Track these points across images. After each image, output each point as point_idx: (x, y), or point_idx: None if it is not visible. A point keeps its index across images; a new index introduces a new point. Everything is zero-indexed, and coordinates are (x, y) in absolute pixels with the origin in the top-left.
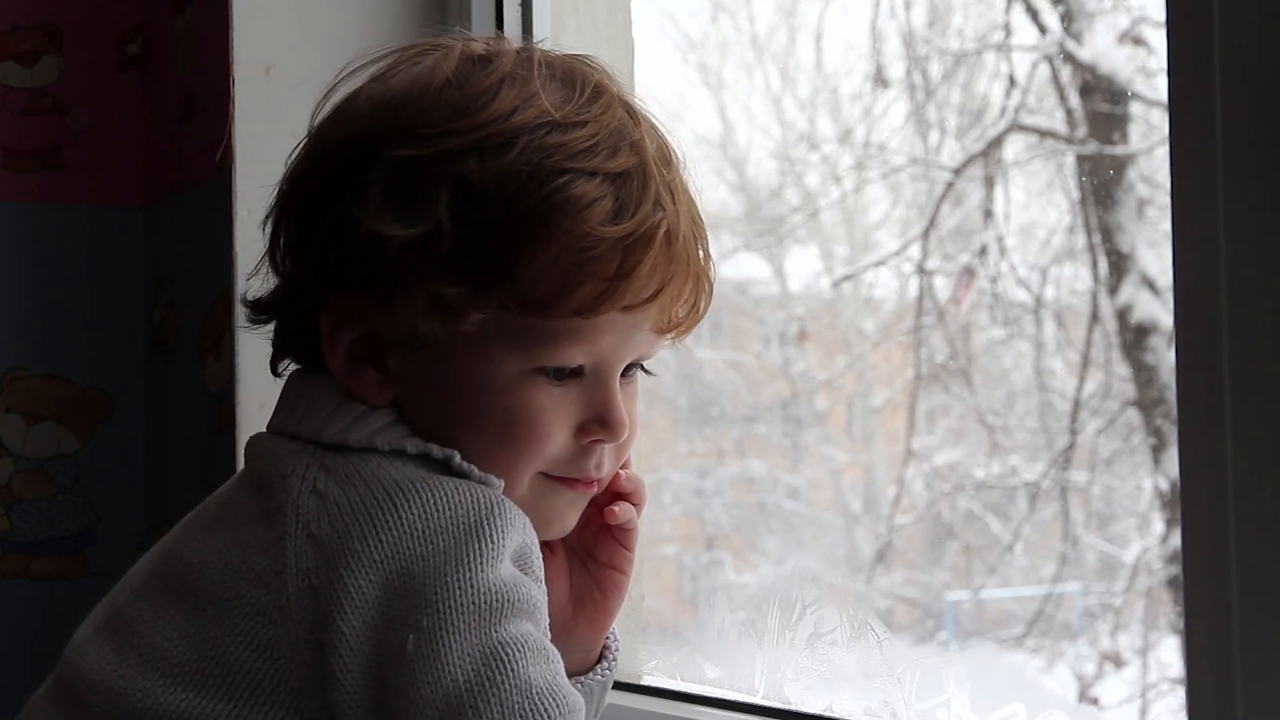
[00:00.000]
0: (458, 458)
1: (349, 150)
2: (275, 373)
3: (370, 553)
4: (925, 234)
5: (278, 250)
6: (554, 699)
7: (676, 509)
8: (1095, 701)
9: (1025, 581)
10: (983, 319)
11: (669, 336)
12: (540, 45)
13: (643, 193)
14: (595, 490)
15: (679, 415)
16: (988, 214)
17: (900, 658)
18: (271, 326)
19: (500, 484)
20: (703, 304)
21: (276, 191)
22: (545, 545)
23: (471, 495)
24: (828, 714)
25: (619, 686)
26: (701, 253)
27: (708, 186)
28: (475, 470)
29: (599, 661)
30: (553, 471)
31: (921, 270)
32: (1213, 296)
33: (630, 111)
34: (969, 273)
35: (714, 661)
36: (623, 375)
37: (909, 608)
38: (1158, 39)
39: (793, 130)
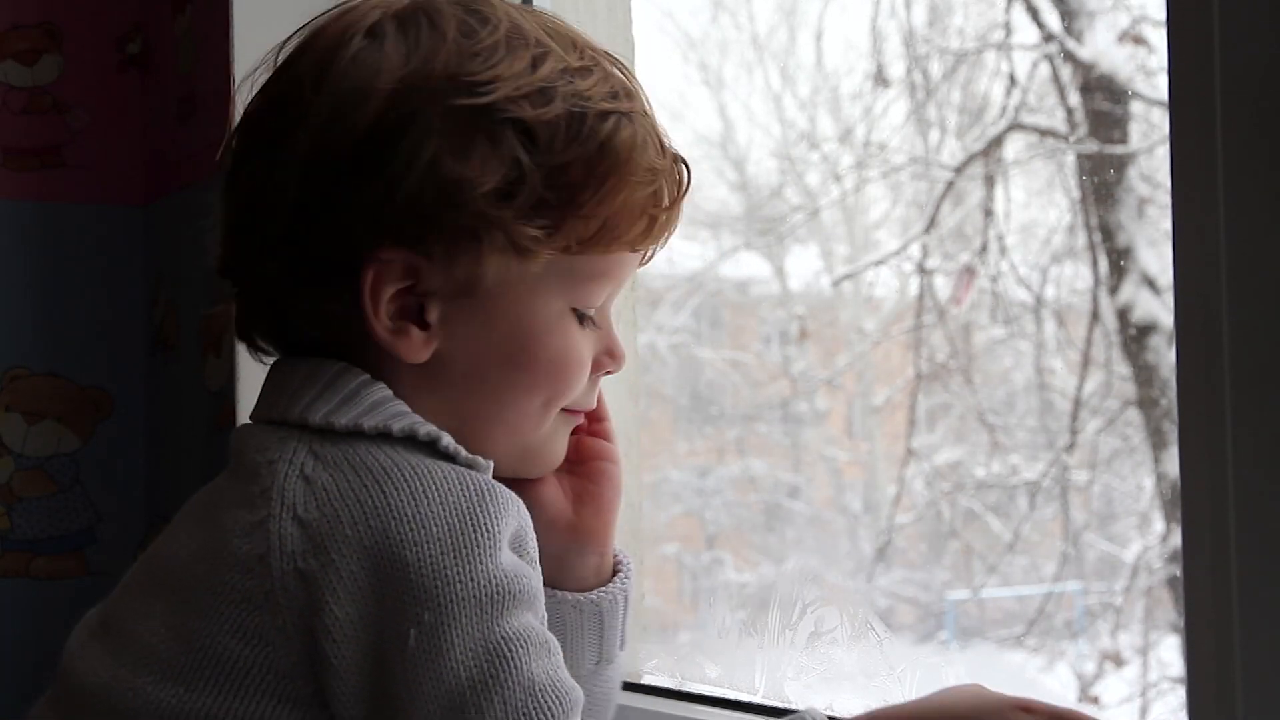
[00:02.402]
0: (444, 439)
1: (392, 105)
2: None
3: (360, 537)
4: (925, 233)
5: (283, 220)
6: (556, 694)
7: (677, 508)
8: (1096, 700)
9: (1026, 581)
10: (983, 318)
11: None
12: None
13: (657, 129)
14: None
15: (679, 414)
16: (988, 213)
17: (900, 657)
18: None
19: (489, 465)
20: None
21: (279, 160)
22: None
23: (460, 481)
24: (828, 713)
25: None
26: None
27: (708, 185)
28: (463, 452)
29: (615, 574)
30: (569, 406)
31: (922, 269)
32: (1213, 295)
33: (608, 55)
34: (969, 272)
35: (714, 660)
36: None
37: (909, 607)
38: (1158, 38)
39: (793, 129)
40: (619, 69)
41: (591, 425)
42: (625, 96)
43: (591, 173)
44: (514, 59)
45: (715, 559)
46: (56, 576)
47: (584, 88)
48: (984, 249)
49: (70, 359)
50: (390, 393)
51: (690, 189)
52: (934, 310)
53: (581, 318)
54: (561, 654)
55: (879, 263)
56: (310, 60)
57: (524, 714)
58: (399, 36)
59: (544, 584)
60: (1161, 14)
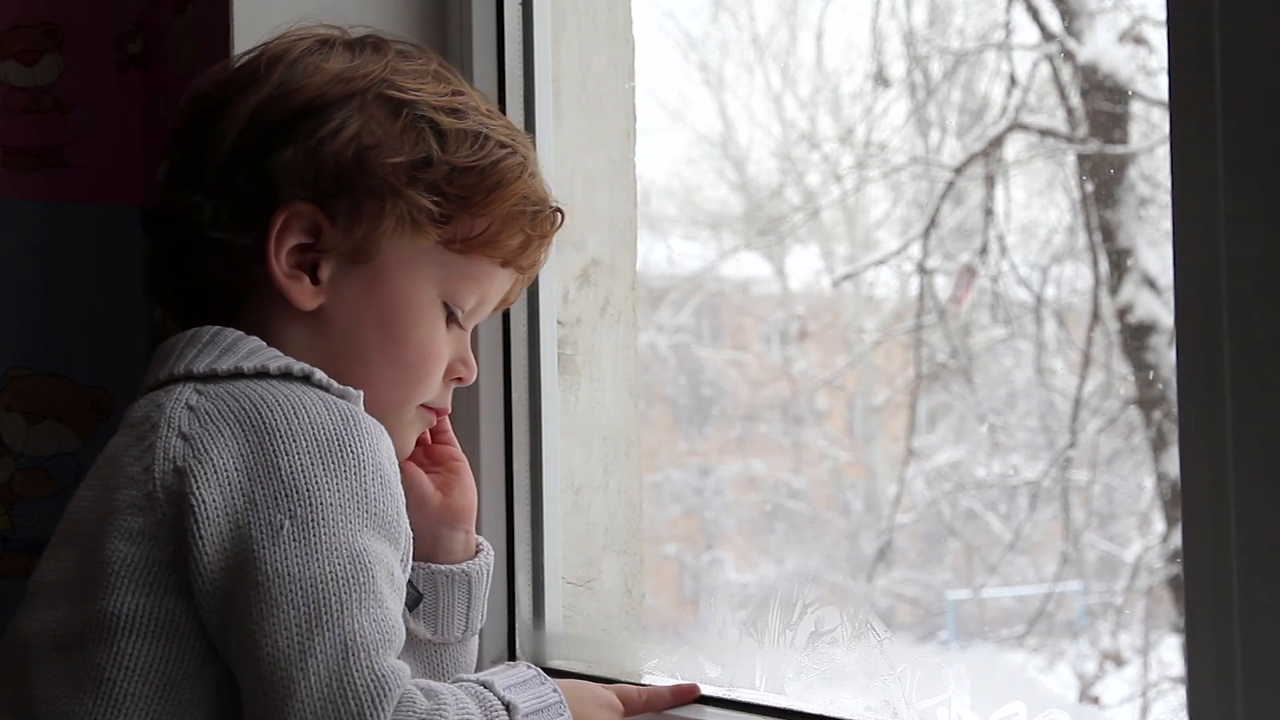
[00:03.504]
0: (318, 374)
1: (331, 87)
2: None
3: (238, 445)
4: (926, 233)
5: (219, 160)
6: (396, 622)
7: (677, 508)
8: (1096, 700)
9: (1026, 580)
10: (983, 318)
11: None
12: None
13: (544, 180)
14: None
15: (680, 414)
16: (988, 213)
17: (901, 657)
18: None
19: (359, 395)
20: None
21: (225, 116)
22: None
23: (329, 408)
24: (828, 713)
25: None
26: None
27: (708, 185)
28: (335, 384)
29: (478, 553)
30: (428, 403)
31: (922, 269)
32: (1213, 295)
33: (518, 129)
34: (969, 272)
35: (714, 660)
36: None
37: (909, 607)
38: (1158, 38)
39: (793, 129)
40: (523, 138)
41: (437, 438)
42: (523, 145)
43: (484, 179)
44: (438, 84)
45: (715, 559)
46: None
47: (489, 122)
48: (984, 249)
49: (70, 359)
50: (264, 343)
51: (561, 230)
52: (934, 310)
53: (450, 317)
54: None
55: (879, 263)
56: (264, 55)
57: (375, 623)
58: (346, 49)
59: (419, 559)
60: (1161, 14)
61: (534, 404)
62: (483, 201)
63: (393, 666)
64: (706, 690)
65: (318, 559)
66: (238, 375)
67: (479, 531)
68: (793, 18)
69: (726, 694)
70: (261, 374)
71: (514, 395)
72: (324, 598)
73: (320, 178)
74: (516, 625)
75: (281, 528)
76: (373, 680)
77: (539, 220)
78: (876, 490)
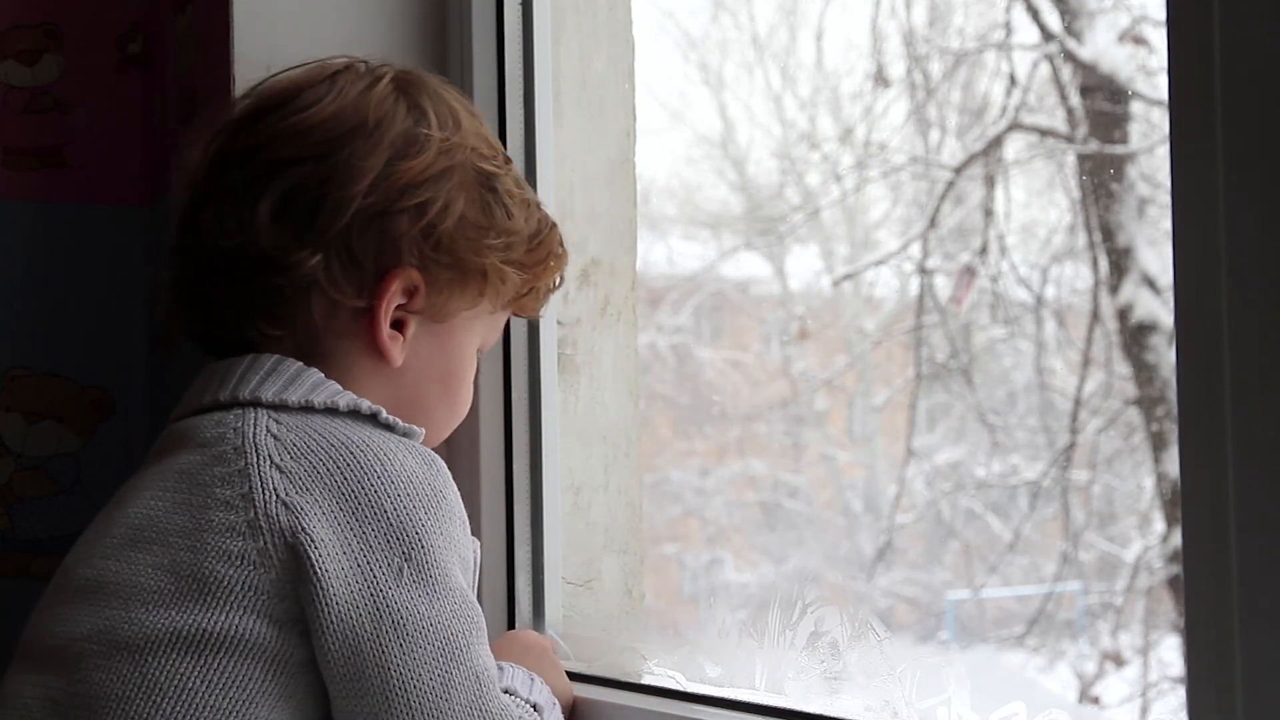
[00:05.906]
0: (383, 413)
1: (438, 161)
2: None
3: (336, 485)
4: (926, 233)
5: (342, 219)
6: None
7: (676, 508)
8: (1096, 700)
9: (1026, 580)
10: (983, 318)
11: None
12: None
13: None
14: None
15: (679, 414)
16: (988, 213)
17: (901, 657)
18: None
19: (421, 433)
20: None
21: (342, 171)
22: None
23: (410, 453)
24: (828, 713)
25: (619, 686)
26: None
27: (708, 185)
28: (400, 423)
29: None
30: None
31: (922, 269)
32: (1213, 295)
33: None
34: (969, 272)
35: (714, 660)
36: None
37: (909, 607)
38: (1158, 38)
39: (793, 129)
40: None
41: None
42: (538, 200)
43: (538, 249)
44: (494, 149)
45: (715, 559)
46: None
47: (521, 182)
48: (984, 249)
49: (71, 359)
50: (323, 375)
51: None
52: (934, 310)
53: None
54: None
55: (879, 263)
56: (354, 101)
57: (489, 655)
58: (431, 104)
59: None
60: (1161, 14)
61: (534, 404)
62: (537, 271)
63: (505, 693)
64: (706, 690)
65: (439, 599)
66: (308, 409)
67: (478, 532)
68: (793, 18)
69: (727, 694)
70: (331, 410)
71: (514, 395)
72: (452, 635)
73: (437, 251)
74: (516, 625)
75: (401, 571)
76: (501, 708)
77: (560, 280)
78: (876, 490)
